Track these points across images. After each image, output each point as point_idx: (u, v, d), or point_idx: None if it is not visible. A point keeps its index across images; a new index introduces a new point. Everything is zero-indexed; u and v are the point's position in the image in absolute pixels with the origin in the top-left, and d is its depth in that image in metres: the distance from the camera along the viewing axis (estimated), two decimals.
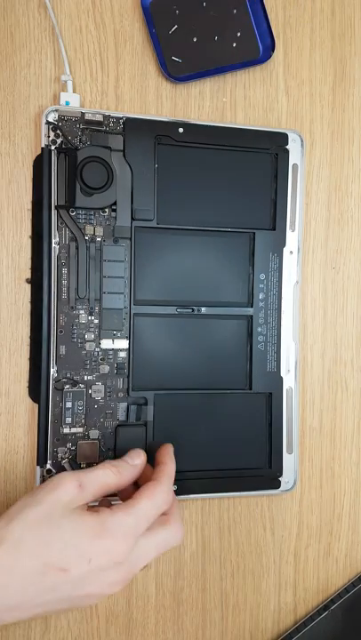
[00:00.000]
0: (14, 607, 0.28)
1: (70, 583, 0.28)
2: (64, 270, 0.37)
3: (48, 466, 0.37)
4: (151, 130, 0.38)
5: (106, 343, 0.38)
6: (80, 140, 0.37)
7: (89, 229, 0.37)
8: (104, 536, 0.29)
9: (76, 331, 0.37)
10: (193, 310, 0.40)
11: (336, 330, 0.44)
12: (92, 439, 0.38)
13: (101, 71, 0.40)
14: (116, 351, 0.38)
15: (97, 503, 0.35)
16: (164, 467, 0.34)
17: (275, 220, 0.41)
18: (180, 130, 0.39)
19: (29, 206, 0.38)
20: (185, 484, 0.39)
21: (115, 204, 0.38)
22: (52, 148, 0.36)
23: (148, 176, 0.38)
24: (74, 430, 0.37)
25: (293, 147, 0.41)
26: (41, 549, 0.28)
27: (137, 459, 0.34)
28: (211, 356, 0.40)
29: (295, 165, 0.41)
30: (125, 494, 0.34)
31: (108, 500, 0.36)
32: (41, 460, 0.37)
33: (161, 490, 0.32)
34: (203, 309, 0.40)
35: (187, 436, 0.39)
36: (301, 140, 0.41)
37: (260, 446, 0.41)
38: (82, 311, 0.38)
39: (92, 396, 0.38)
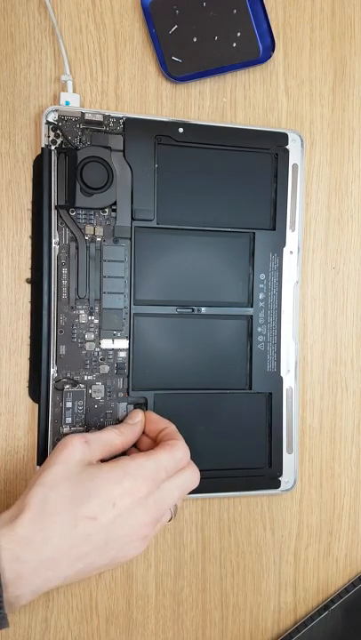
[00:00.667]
0: (55, 562, 0.29)
1: (103, 530, 0.30)
2: (64, 270, 0.37)
3: None
4: (151, 130, 0.38)
5: (106, 343, 0.38)
6: (80, 139, 0.37)
7: (89, 229, 0.37)
8: (125, 479, 0.31)
9: (76, 331, 0.37)
10: (193, 310, 0.40)
11: (336, 330, 0.44)
12: None
13: (101, 71, 0.40)
14: (116, 351, 0.38)
15: None
16: (168, 429, 0.36)
17: (275, 220, 0.41)
18: (180, 130, 0.39)
19: (29, 206, 0.38)
20: None
21: (115, 203, 0.38)
22: (52, 148, 0.37)
23: (148, 176, 0.38)
24: (74, 430, 0.37)
25: (293, 147, 0.41)
26: (67, 504, 0.29)
27: (136, 417, 0.37)
28: (211, 356, 0.40)
29: (295, 165, 0.41)
30: None
31: None
32: (41, 460, 0.37)
33: (179, 446, 0.34)
34: (203, 309, 0.40)
35: (187, 435, 0.39)
36: (301, 140, 0.41)
37: (260, 446, 0.41)
38: (82, 311, 0.38)
39: (92, 396, 0.38)
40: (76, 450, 0.31)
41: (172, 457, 0.33)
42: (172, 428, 0.36)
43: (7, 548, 0.28)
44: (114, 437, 0.34)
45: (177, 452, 0.33)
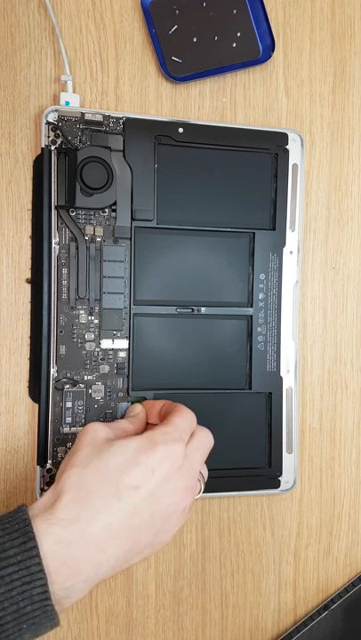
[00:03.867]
0: (105, 541, 0.27)
1: (147, 499, 0.29)
2: (64, 270, 0.37)
3: (48, 465, 0.37)
4: (151, 130, 0.38)
5: (106, 343, 0.38)
6: (80, 140, 0.37)
7: (89, 229, 0.37)
8: (156, 447, 0.30)
9: (76, 331, 0.38)
10: (193, 310, 0.40)
11: (336, 330, 0.44)
12: None
13: (101, 71, 0.40)
14: (116, 351, 0.38)
15: None
16: (167, 403, 0.36)
17: (275, 220, 0.41)
18: (180, 130, 0.39)
19: (29, 206, 0.38)
20: None
21: (115, 204, 0.38)
22: (52, 148, 0.37)
23: (148, 176, 0.38)
24: (74, 430, 0.37)
25: (293, 147, 0.41)
26: (106, 477, 0.28)
27: (136, 409, 0.37)
28: (211, 356, 0.40)
29: (295, 165, 0.41)
30: None
31: None
32: (41, 460, 0.37)
33: (185, 409, 0.34)
34: (203, 309, 0.40)
35: None
36: (301, 140, 0.41)
37: (259, 446, 0.41)
38: (82, 311, 0.38)
39: (92, 395, 0.38)
40: (99, 430, 0.31)
41: (184, 419, 0.33)
42: (169, 401, 0.36)
43: (49, 531, 0.26)
44: (126, 424, 0.35)
45: (186, 414, 0.33)
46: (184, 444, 0.31)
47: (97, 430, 0.32)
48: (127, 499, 0.28)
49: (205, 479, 0.34)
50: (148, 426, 0.37)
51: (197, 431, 0.34)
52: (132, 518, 0.28)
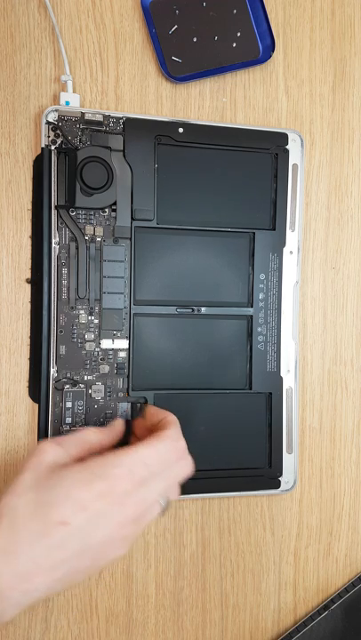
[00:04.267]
0: (30, 574, 0.27)
1: (75, 535, 0.28)
2: (64, 270, 0.37)
3: None
4: (151, 130, 0.38)
5: (106, 343, 0.38)
6: (80, 140, 0.37)
7: (89, 229, 0.37)
8: (94, 481, 0.28)
9: (76, 331, 0.38)
10: (193, 310, 0.40)
11: (336, 330, 0.44)
12: None
13: (101, 71, 0.40)
14: (116, 351, 0.38)
15: None
16: (165, 419, 0.34)
17: (275, 220, 0.41)
18: (180, 130, 0.39)
19: (29, 206, 0.38)
20: (185, 484, 0.39)
21: (115, 203, 0.38)
22: (52, 148, 0.37)
23: (148, 176, 0.38)
24: (74, 430, 0.37)
25: (293, 147, 0.41)
26: (36, 510, 0.28)
27: (115, 422, 0.35)
28: (211, 356, 0.40)
29: (295, 165, 0.41)
30: None
31: None
32: None
33: (164, 438, 0.31)
34: (203, 309, 0.40)
35: (186, 435, 0.39)
36: (301, 140, 0.41)
37: (259, 446, 0.41)
38: (82, 311, 0.38)
39: (92, 395, 0.38)
40: (46, 454, 0.30)
41: (155, 451, 0.30)
42: (169, 418, 0.34)
43: None
44: (89, 434, 0.33)
45: (160, 446, 0.31)
46: (132, 479, 0.29)
47: (44, 453, 0.30)
48: (55, 534, 0.27)
49: (172, 498, 0.32)
50: (144, 433, 0.36)
51: (174, 463, 0.31)
52: (59, 552, 0.28)
